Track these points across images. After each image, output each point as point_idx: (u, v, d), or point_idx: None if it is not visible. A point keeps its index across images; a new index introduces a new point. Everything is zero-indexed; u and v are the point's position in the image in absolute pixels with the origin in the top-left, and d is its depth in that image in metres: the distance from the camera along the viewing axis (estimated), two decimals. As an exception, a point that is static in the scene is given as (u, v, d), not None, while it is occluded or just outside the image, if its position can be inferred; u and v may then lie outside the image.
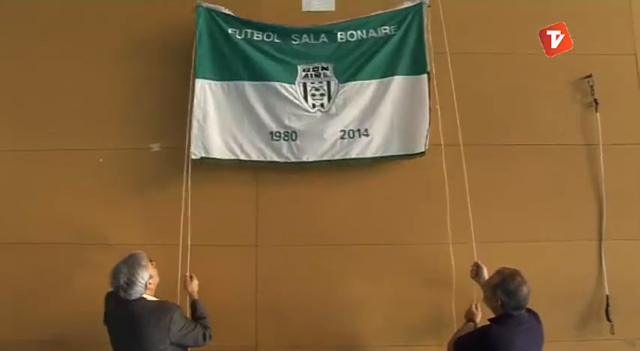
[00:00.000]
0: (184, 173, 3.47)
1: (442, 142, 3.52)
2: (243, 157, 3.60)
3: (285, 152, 3.60)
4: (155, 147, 3.71)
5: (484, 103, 3.71)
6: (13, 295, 3.60)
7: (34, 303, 3.58)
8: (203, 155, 3.54)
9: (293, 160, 3.59)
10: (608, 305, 3.54)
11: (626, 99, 3.76)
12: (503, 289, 2.71)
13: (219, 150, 3.58)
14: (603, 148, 3.64)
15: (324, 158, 3.58)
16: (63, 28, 3.90)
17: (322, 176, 3.66)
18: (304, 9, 3.87)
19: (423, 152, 3.54)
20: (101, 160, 3.72)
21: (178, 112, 3.58)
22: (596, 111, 3.68)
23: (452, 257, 3.38)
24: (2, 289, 3.61)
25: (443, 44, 3.56)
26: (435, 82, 3.55)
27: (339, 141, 3.57)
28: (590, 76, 3.71)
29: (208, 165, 3.54)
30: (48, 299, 3.57)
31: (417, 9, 3.66)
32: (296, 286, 3.60)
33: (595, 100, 3.68)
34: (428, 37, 3.60)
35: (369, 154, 3.58)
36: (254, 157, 3.61)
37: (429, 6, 3.65)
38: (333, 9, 3.86)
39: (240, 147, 3.61)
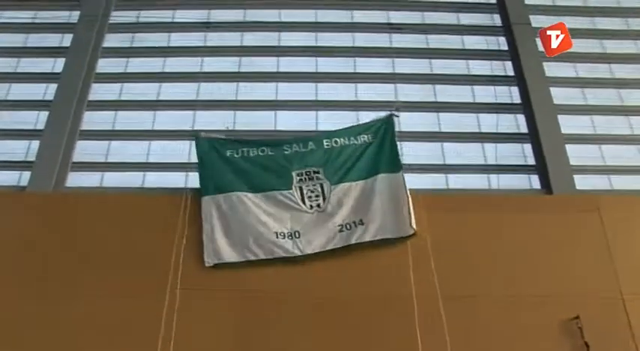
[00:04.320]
0: None
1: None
2: (252, 257, 3.95)
3: (291, 248, 3.95)
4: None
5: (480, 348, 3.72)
6: None
7: None
8: (216, 262, 3.92)
9: (299, 254, 3.94)
10: None
11: (618, 343, 3.71)
12: None
13: (228, 255, 3.96)
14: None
15: (328, 248, 3.93)
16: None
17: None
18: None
19: (414, 233, 3.95)
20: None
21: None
22: (590, 355, 3.63)
23: None
24: None
25: (434, 287, 3.83)
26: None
27: (339, 234, 4.00)
28: (577, 317, 3.73)
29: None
30: None
31: (389, 120, 4.48)
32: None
33: (586, 343, 3.66)
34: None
35: (367, 238, 3.97)
36: (262, 255, 3.95)
37: (397, 116, 4.45)
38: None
39: (248, 249, 3.97)
